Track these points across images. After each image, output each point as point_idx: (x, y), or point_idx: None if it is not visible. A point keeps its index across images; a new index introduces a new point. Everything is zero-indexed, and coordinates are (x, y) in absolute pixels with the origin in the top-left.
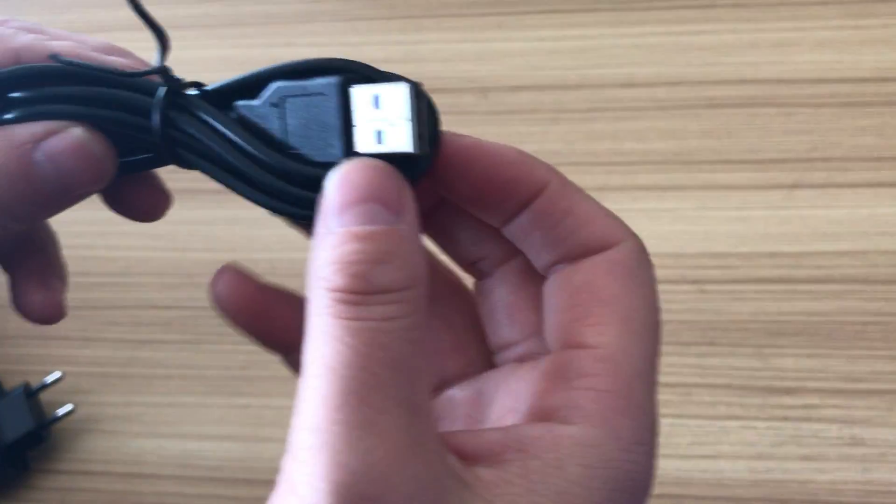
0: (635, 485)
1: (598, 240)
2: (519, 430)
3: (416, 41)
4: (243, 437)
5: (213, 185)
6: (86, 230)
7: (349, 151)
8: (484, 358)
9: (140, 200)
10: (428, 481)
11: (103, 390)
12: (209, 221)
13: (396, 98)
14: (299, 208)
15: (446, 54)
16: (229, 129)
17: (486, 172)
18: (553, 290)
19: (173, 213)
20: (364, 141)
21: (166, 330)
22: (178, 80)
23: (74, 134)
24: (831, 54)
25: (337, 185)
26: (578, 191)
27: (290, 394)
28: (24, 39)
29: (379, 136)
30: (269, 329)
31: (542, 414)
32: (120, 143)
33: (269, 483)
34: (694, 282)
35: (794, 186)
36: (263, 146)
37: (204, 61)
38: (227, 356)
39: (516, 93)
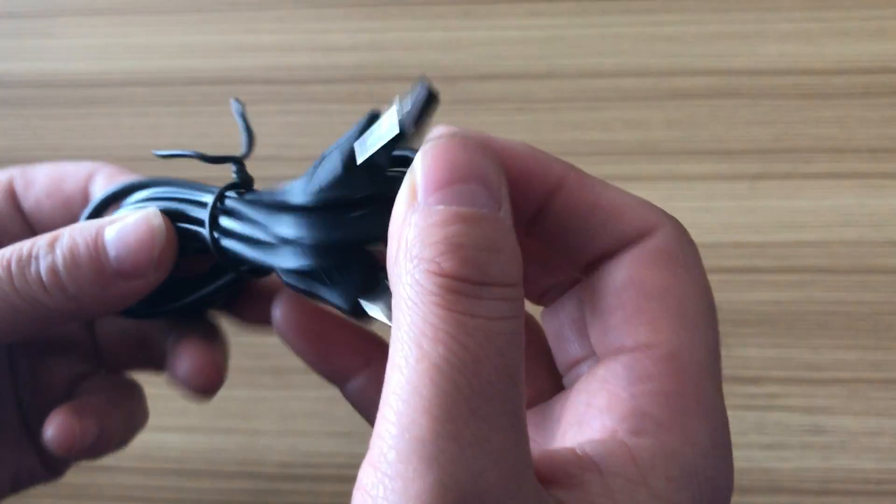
0: (717, 492)
1: (634, 229)
2: (591, 448)
3: (382, 29)
4: (206, 429)
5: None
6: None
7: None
8: (553, 386)
9: (199, 360)
10: None
11: None
12: None
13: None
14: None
15: (412, 42)
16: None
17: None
18: (595, 291)
19: None
20: (359, 148)
21: None
22: (236, 184)
23: (142, 212)
24: (795, 46)
25: (433, 158)
26: (600, 182)
27: (254, 385)
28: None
29: (370, 134)
30: (329, 355)
31: (610, 427)
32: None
33: (232, 475)
34: None
35: (758, 177)
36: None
37: (163, 48)
38: None
39: (483, 82)
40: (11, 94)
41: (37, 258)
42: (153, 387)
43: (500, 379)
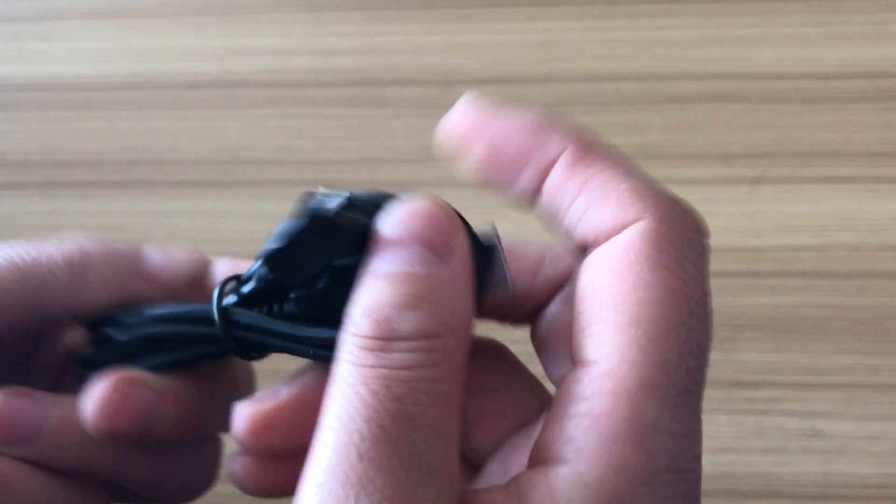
0: None
1: (612, 218)
2: (517, 482)
3: (382, 32)
4: None
5: (175, 176)
6: (40, 222)
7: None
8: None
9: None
10: None
11: None
12: (170, 213)
13: None
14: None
15: (411, 46)
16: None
17: (496, 145)
18: (570, 295)
19: (132, 205)
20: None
21: None
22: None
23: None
24: (794, 50)
25: (387, 225)
26: (603, 157)
27: None
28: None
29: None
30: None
31: (538, 455)
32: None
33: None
34: None
35: (758, 181)
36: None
37: (161, 51)
38: None
39: (482, 86)
40: (10, 97)
41: None
42: None
43: (397, 423)
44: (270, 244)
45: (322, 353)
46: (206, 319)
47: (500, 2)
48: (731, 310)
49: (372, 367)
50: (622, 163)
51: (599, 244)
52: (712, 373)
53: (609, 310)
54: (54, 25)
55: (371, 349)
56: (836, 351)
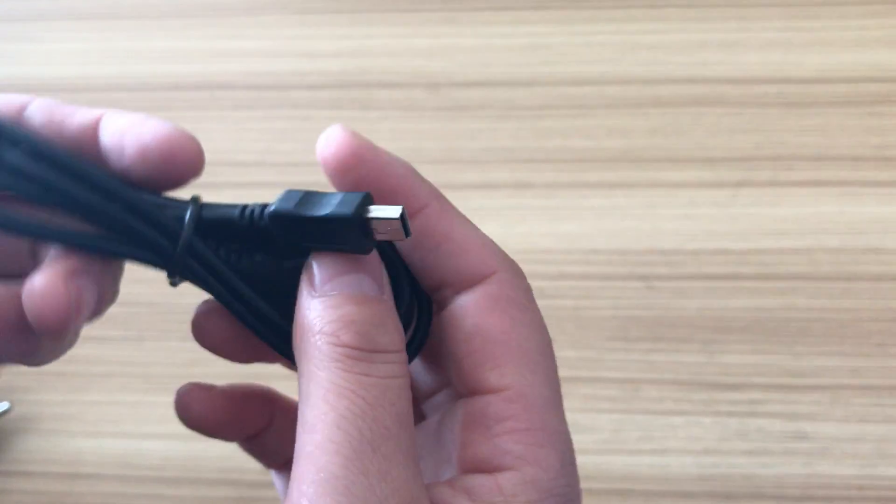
0: (568, 502)
1: (474, 269)
2: (464, 482)
3: (367, 35)
4: (186, 437)
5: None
6: None
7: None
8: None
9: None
10: None
11: (41, 388)
12: None
13: None
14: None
15: (397, 49)
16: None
17: (372, 176)
18: (448, 332)
19: None
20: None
21: (107, 326)
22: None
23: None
24: (777, 55)
25: (326, 258)
26: (458, 216)
27: None
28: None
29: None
30: (241, 427)
31: (476, 464)
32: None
33: (213, 482)
34: (641, 278)
35: (741, 185)
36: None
37: (146, 53)
38: (171, 353)
39: (467, 89)
40: None
41: None
42: (132, 394)
43: (395, 424)
44: (309, 210)
45: (253, 323)
46: (163, 227)
47: (485, 5)
48: (715, 312)
49: (366, 375)
50: (472, 224)
51: (462, 289)
52: (696, 375)
53: (500, 347)
54: (36, 26)
55: (360, 359)
56: (819, 353)
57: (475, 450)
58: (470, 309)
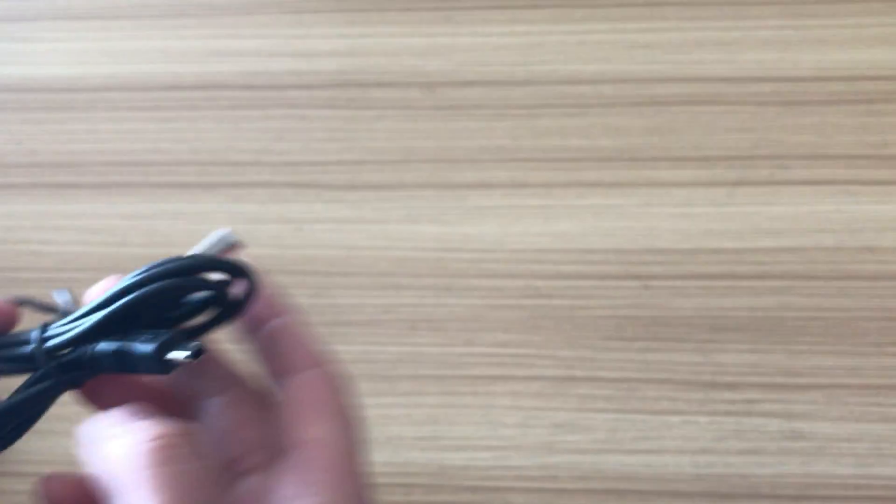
0: None
1: (301, 361)
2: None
3: (363, 34)
4: None
5: (155, 178)
6: (18, 224)
7: None
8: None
9: None
10: None
11: None
12: (150, 215)
13: None
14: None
15: (393, 48)
16: None
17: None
18: (283, 404)
19: (112, 207)
20: None
21: None
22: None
23: None
24: (773, 54)
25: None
26: (300, 327)
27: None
28: None
29: None
30: None
31: (293, 495)
32: None
33: None
34: (638, 277)
35: (737, 183)
36: None
37: (142, 52)
38: None
39: (463, 88)
40: None
41: None
42: None
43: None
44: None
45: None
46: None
47: (481, 4)
48: (711, 311)
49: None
50: (308, 329)
51: (294, 374)
52: (692, 374)
53: (317, 410)
54: (32, 26)
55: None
56: (815, 352)
57: (291, 483)
58: (296, 386)
